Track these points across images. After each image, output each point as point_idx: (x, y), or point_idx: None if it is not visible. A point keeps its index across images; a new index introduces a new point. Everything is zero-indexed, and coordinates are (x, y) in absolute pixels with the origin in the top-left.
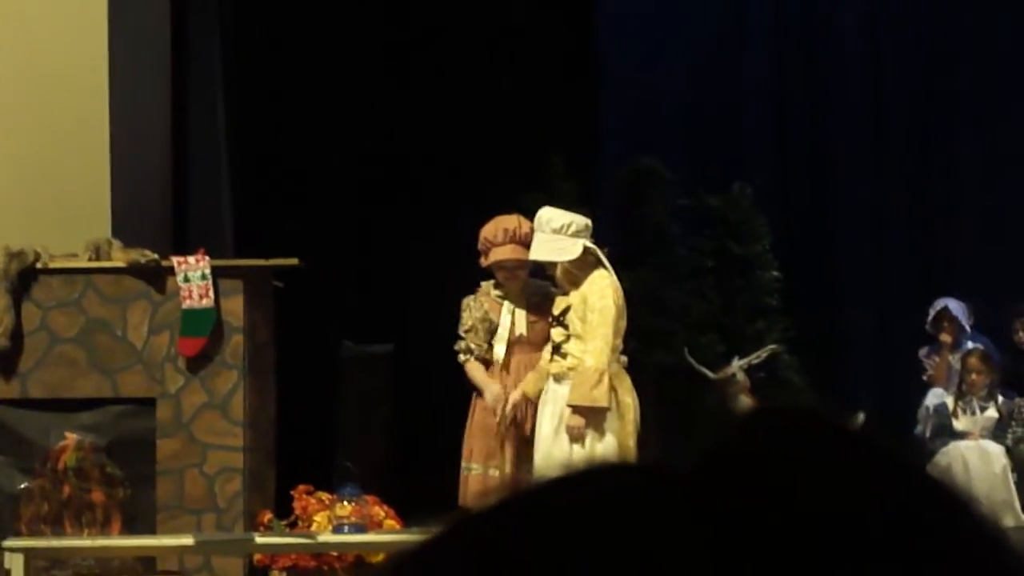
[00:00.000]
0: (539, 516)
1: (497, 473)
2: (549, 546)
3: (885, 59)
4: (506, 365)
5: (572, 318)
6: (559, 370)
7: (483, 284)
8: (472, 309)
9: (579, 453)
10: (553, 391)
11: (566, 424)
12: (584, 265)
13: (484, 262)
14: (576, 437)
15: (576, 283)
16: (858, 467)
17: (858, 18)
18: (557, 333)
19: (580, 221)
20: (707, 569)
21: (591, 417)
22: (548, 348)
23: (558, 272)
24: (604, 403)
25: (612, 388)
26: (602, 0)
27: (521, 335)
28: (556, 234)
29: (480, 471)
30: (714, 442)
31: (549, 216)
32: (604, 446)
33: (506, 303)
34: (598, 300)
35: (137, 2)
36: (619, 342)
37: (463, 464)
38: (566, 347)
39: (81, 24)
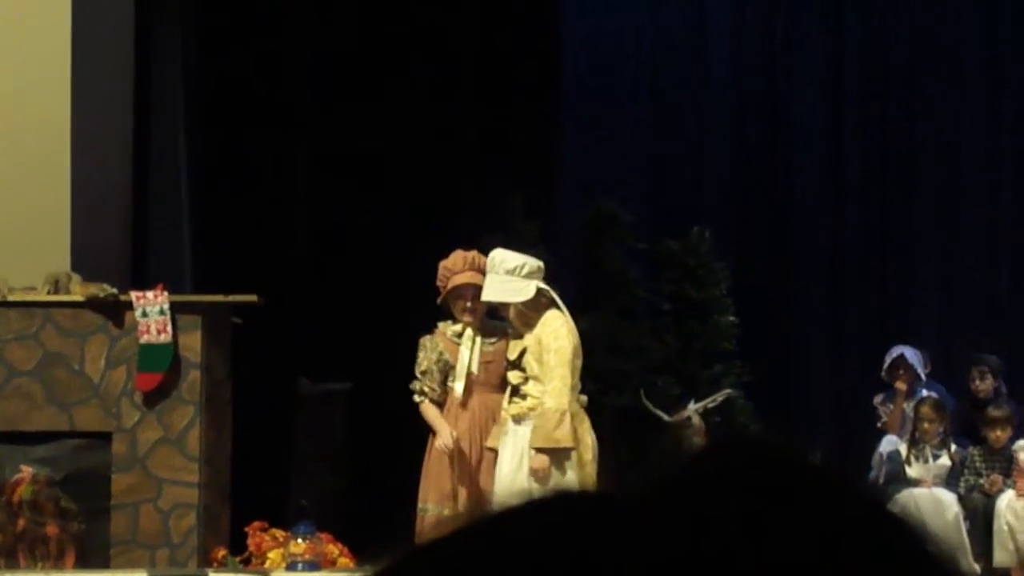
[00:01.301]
0: (487, 544)
1: (422, 509)
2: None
3: (846, 108)
4: (464, 403)
5: (529, 360)
6: (518, 411)
7: (440, 325)
8: (428, 350)
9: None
10: (512, 432)
11: (531, 466)
12: (538, 306)
13: (442, 291)
14: (541, 479)
15: (529, 324)
16: (814, 498)
17: (820, 65)
18: (515, 376)
19: (533, 263)
20: None
21: (554, 457)
22: (507, 392)
23: (511, 313)
24: (568, 443)
25: (573, 427)
26: (565, 42)
27: (477, 375)
28: (509, 275)
29: (435, 511)
30: (666, 471)
31: (502, 257)
32: (568, 485)
33: (463, 341)
34: (553, 341)
35: (100, 37)
36: (577, 381)
37: (419, 504)
38: (524, 389)
39: (43, 59)
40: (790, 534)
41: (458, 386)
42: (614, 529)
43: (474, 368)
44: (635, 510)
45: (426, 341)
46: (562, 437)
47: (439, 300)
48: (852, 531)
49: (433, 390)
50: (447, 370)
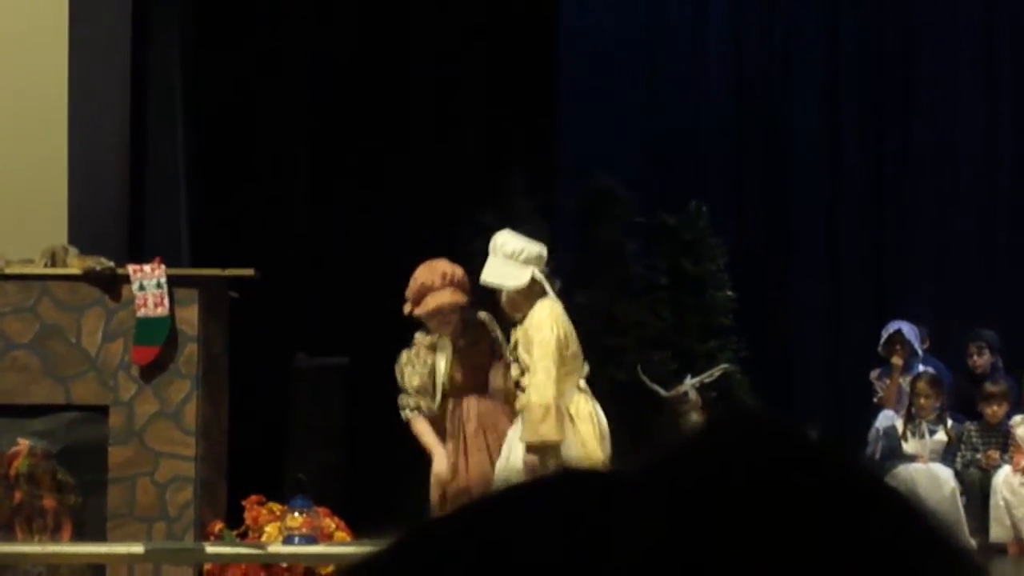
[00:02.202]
0: (487, 524)
1: None
2: (493, 555)
3: (844, 82)
4: (456, 413)
5: (520, 353)
6: (520, 405)
7: (417, 336)
8: (415, 364)
9: None
10: (518, 424)
11: (523, 461)
12: (530, 295)
13: (419, 309)
14: (532, 473)
15: (519, 311)
16: (812, 474)
17: (816, 42)
18: (515, 369)
19: (533, 249)
20: (641, 566)
21: (544, 453)
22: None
23: (503, 299)
24: (554, 437)
25: (568, 418)
26: (562, 18)
27: (455, 381)
28: (508, 259)
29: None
30: (666, 447)
31: (504, 240)
32: None
33: (439, 353)
34: (536, 333)
35: (97, 13)
36: (574, 367)
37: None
38: (523, 381)
39: (41, 33)
40: (788, 511)
41: (435, 399)
42: (613, 506)
43: (448, 378)
44: (635, 488)
45: (411, 356)
46: (547, 431)
47: (409, 312)
48: (851, 507)
49: (430, 406)
50: (435, 381)
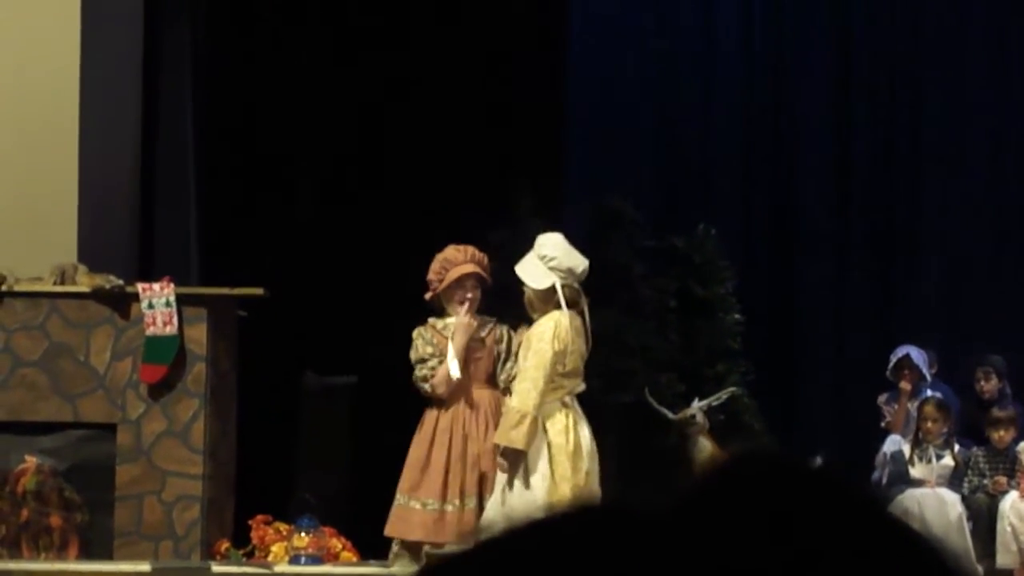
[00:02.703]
0: (510, 562)
1: (418, 506)
2: None
3: (853, 110)
4: (453, 398)
5: (521, 355)
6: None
7: (430, 320)
8: (424, 340)
9: (496, 491)
10: None
11: (497, 462)
12: (547, 302)
13: (439, 284)
14: (506, 473)
15: (533, 312)
16: (836, 515)
17: (826, 68)
18: (513, 372)
19: (565, 261)
20: None
21: (512, 458)
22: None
23: (526, 297)
24: (519, 445)
25: (543, 430)
26: (572, 41)
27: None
28: (539, 260)
29: (403, 502)
30: (690, 487)
31: (544, 242)
32: (530, 488)
33: (455, 337)
34: (536, 342)
35: (109, 29)
36: (556, 386)
37: (396, 492)
38: (514, 385)
39: (52, 48)
40: (809, 555)
41: (453, 366)
42: (639, 550)
43: (460, 351)
44: (658, 529)
45: (421, 330)
46: (516, 438)
47: (431, 294)
48: (869, 548)
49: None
50: (442, 355)
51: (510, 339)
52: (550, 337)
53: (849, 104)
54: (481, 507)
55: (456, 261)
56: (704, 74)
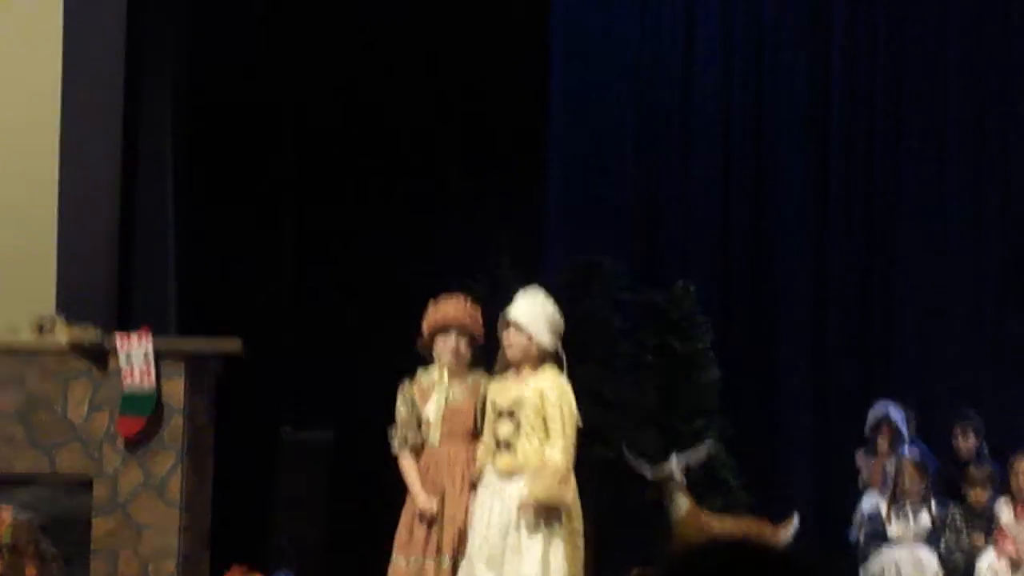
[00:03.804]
0: None
1: (403, 563)
2: None
3: (831, 167)
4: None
5: (527, 413)
6: (509, 466)
7: (419, 371)
8: (404, 397)
9: (535, 549)
10: (498, 487)
11: (524, 515)
12: (542, 361)
13: (428, 329)
14: (531, 526)
15: (525, 363)
16: None
17: (805, 123)
18: (506, 428)
19: (561, 325)
20: None
21: (548, 513)
22: (486, 441)
23: (517, 352)
24: (569, 501)
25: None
26: (552, 93)
27: (444, 422)
28: (546, 318)
29: (394, 559)
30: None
31: (547, 300)
32: (557, 545)
33: (435, 391)
34: (558, 397)
35: (89, 79)
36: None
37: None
38: (516, 442)
39: (31, 100)
40: None
41: (435, 435)
42: None
43: (436, 416)
44: None
45: (403, 387)
46: (565, 494)
47: (421, 342)
48: None
49: (411, 439)
50: (418, 420)
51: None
52: (570, 393)
53: (828, 163)
54: (455, 564)
55: (445, 311)
56: (683, 131)
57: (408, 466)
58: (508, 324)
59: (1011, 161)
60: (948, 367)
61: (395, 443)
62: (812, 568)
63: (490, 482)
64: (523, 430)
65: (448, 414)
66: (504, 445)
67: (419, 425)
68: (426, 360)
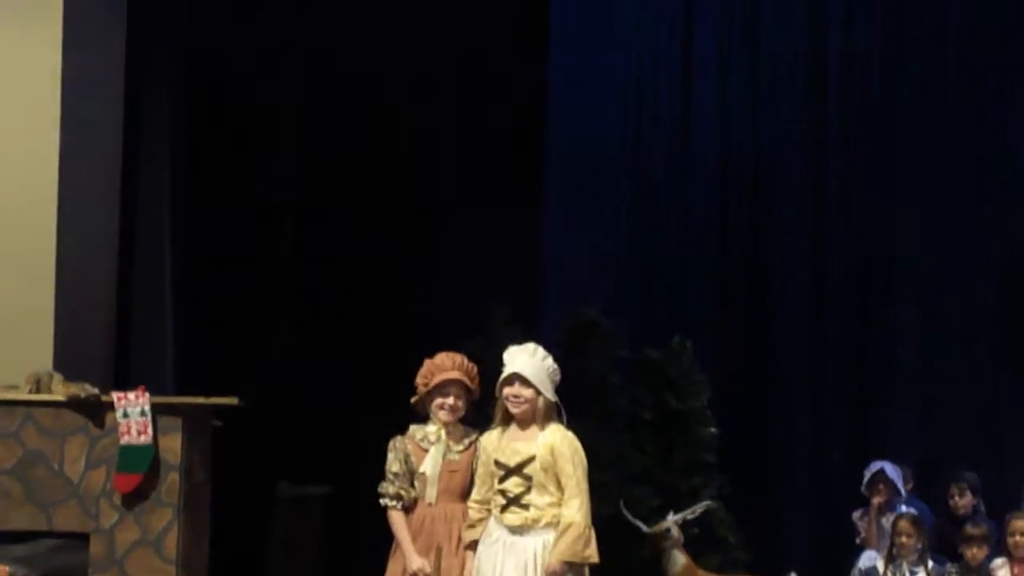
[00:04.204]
0: None
1: None
2: None
3: (828, 222)
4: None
5: (536, 468)
6: (524, 521)
7: (411, 427)
8: (397, 451)
9: None
10: (509, 543)
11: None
12: (548, 414)
13: (424, 387)
14: None
15: (529, 427)
16: None
17: (802, 179)
18: (515, 484)
19: (559, 375)
20: None
21: (575, 572)
22: (485, 498)
23: (526, 410)
24: (596, 559)
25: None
26: (548, 147)
27: (441, 481)
28: (547, 374)
29: None
30: None
31: (545, 355)
32: None
33: (434, 444)
34: (572, 453)
35: (88, 139)
36: None
37: None
38: (527, 499)
39: (29, 152)
40: None
41: (431, 492)
42: None
43: (433, 472)
44: None
45: (396, 442)
46: (592, 553)
47: (416, 398)
48: None
49: (404, 494)
50: (411, 475)
51: None
52: (580, 446)
53: (827, 223)
54: None
55: (443, 367)
56: (679, 195)
57: (400, 523)
58: (514, 379)
59: (1009, 163)
60: (947, 426)
61: (386, 498)
62: None
63: (498, 537)
64: (534, 486)
65: (446, 472)
66: (514, 501)
67: (412, 482)
68: (419, 415)
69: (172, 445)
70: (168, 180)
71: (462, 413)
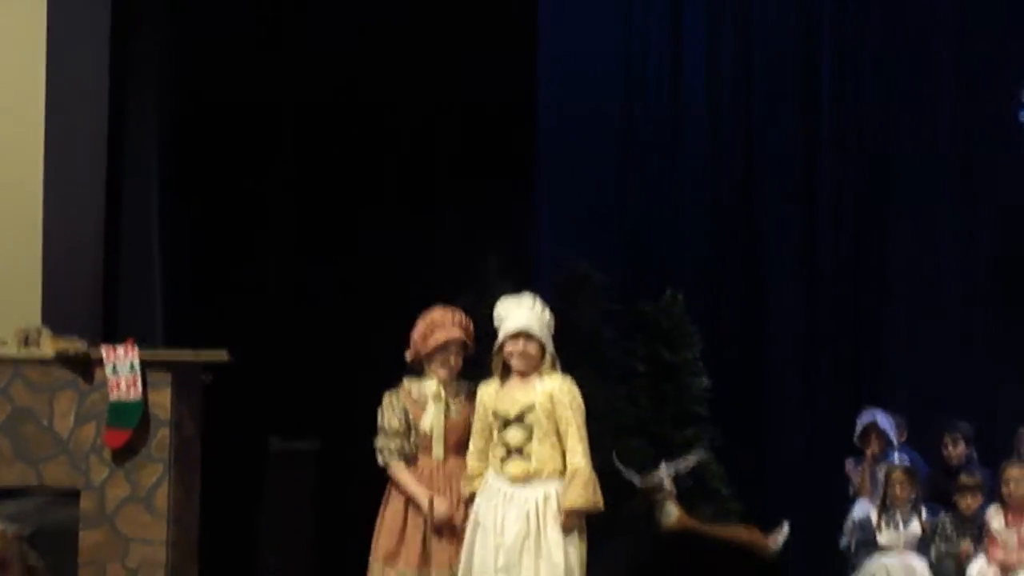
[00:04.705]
0: None
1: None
2: None
3: (820, 175)
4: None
5: (538, 417)
6: (525, 472)
7: (405, 381)
8: (395, 408)
9: (570, 550)
10: (509, 495)
11: (564, 526)
12: (552, 364)
13: (426, 345)
14: (572, 537)
15: (532, 370)
16: None
17: (795, 129)
18: (516, 434)
19: (553, 323)
20: None
21: (578, 520)
22: (482, 449)
23: (530, 364)
24: (602, 505)
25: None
26: (540, 101)
27: (443, 433)
28: (545, 325)
29: (378, 571)
30: None
31: (542, 305)
32: (582, 543)
33: (433, 401)
34: (570, 400)
35: (73, 91)
36: None
37: (371, 558)
38: (528, 448)
39: (16, 110)
40: None
41: (437, 450)
42: None
43: (438, 430)
44: None
45: (392, 398)
46: (600, 499)
47: (413, 356)
48: None
49: (402, 450)
50: (410, 431)
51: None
52: (579, 392)
53: (818, 171)
54: None
55: (443, 324)
56: (672, 139)
57: (407, 476)
58: (519, 336)
59: (1001, 162)
60: (940, 375)
61: (384, 454)
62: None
63: (498, 489)
64: (536, 435)
65: (449, 428)
66: (516, 452)
67: (410, 436)
68: (414, 371)
69: (162, 400)
70: (156, 130)
71: (459, 368)
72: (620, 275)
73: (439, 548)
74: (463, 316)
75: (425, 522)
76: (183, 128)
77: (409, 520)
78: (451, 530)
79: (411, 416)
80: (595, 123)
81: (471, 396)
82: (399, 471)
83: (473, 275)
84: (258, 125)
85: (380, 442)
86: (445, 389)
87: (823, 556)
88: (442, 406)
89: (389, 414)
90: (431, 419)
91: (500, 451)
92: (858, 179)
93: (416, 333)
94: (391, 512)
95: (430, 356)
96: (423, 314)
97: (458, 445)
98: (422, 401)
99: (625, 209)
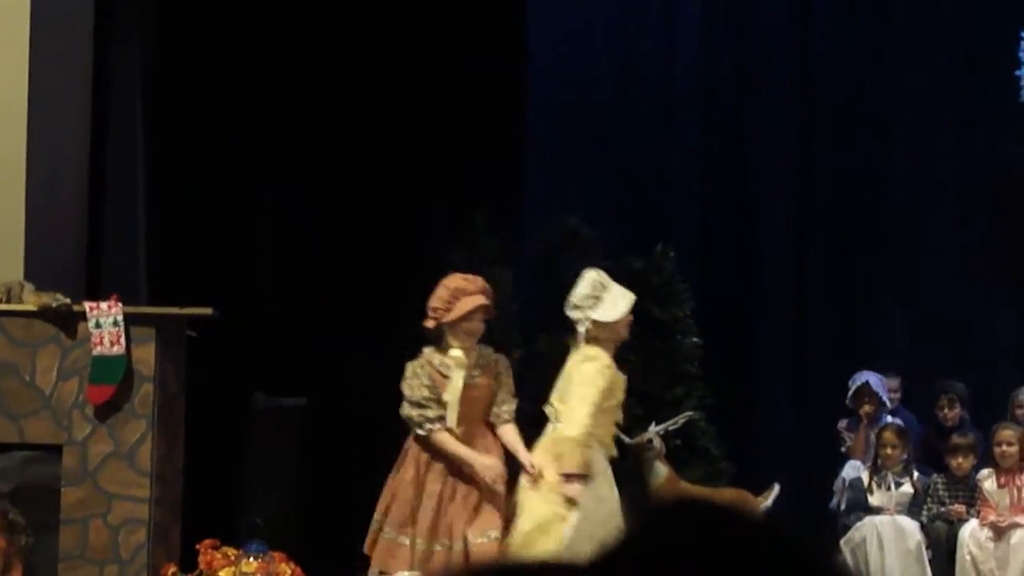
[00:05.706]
0: None
1: (407, 541)
2: None
3: (814, 128)
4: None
5: (562, 385)
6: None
7: (425, 351)
8: (420, 377)
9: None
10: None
11: (564, 493)
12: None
13: (452, 314)
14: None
15: (580, 345)
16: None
17: (788, 87)
18: (551, 408)
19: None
20: None
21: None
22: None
23: (583, 337)
24: (584, 468)
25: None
26: (530, 57)
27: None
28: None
29: (391, 537)
30: (624, 536)
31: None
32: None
33: (455, 373)
34: (581, 363)
35: (58, 49)
36: (599, 423)
37: (375, 517)
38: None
39: None
40: None
41: (452, 416)
42: None
43: (455, 397)
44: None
45: (416, 368)
46: (570, 465)
47: (435, 323)
48: None
49: (440, 417)
50: (437, 399)
51: (504, 372)
52: (600, 362)
53: (811, 126)
54: (467, 548)
55: (467, 291)
56: (662, 98)
57: (452, 441)
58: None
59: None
60: (934, 336)
61: (426, 423)
62: (787, 534)
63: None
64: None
65: (467, 396)
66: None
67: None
68: (430, 339)
69: (146, 356)
70: (140, 83)
71: (480, 335)
72: (611, 229)
73: (454, 517)
74: (484, 281)
75: (441, 491)
76: (167, 80)
77: (427, 489)
78: (465, 503)
79: (438, 390)
80: (586, 78)
81: (489, 365)
82: (443, 439)
83: (461, 231)
84: (245, 76)
85: (412, 412)
86: (468, 356)
87: (814, 517)
88: (463, 374)
89: (416, 383)
90: (452, 387)
91: (612, 428)
92: (852, 131)
93: (437, 300)
94: (406, 479)
95: (456, 325)
96: (443, 281)
97: (471, 413)
98: (444, 371)
99: (615, 163)
